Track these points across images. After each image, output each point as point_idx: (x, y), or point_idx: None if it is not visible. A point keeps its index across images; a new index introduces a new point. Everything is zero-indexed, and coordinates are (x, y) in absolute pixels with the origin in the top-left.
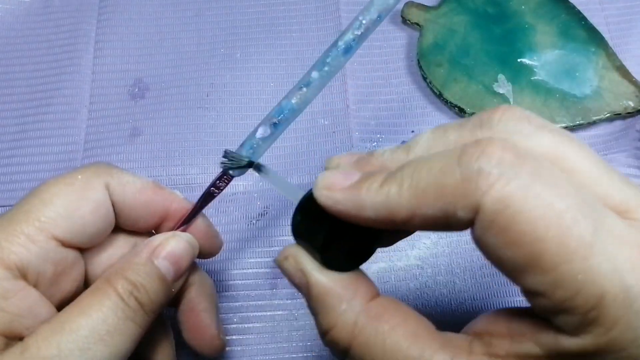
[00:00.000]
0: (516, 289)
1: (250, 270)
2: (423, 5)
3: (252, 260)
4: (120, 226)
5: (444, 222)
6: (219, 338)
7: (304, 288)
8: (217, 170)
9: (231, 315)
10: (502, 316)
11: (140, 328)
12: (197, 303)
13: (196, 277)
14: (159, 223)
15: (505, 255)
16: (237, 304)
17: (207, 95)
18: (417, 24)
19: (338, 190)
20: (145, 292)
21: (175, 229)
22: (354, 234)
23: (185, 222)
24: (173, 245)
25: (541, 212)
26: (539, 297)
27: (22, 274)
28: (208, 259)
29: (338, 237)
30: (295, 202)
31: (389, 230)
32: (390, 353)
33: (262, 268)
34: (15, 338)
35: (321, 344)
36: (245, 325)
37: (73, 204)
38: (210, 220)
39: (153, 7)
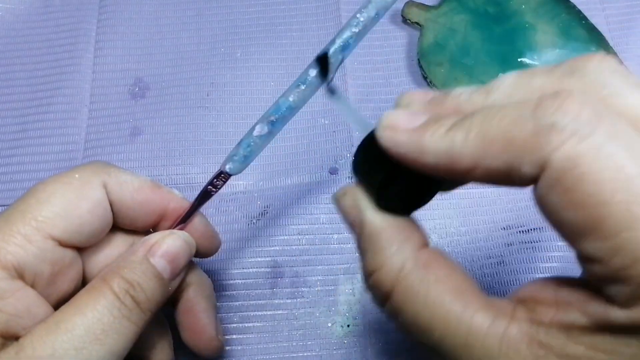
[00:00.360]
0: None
1: (250, 270)
2: (423, 4)
3: (252, 259)
4: (119, 225)
5: (506, 176)
6: (217, 339)
7: (357, 226)
8: (216, 170)
9: (231, 314)
10: (550, 284)
11: (137, 327)
12: (195, 303)
13: (194, 277)
14: (157, 222)
15: (566, 216)
16: (237, 303)
17: (208, 95)
18: (418, 24)
19: (401, 131)
20: (141, 291)
21: (173, 228)
22: (413, 178)
23: (183, 220)
24: (169, 244)
25: (610, 174)
26: (595, 263)
27: (19, 274)
28: (208, 259)
29: (397, 179)
30: (362, 135)
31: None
32: (432, 304)
33: (262, 267)
34: (11, 338)
35: (321, 343)
36: (246, 325)
37: (71, 203)
38: (210, 219)
39: (153, 7)
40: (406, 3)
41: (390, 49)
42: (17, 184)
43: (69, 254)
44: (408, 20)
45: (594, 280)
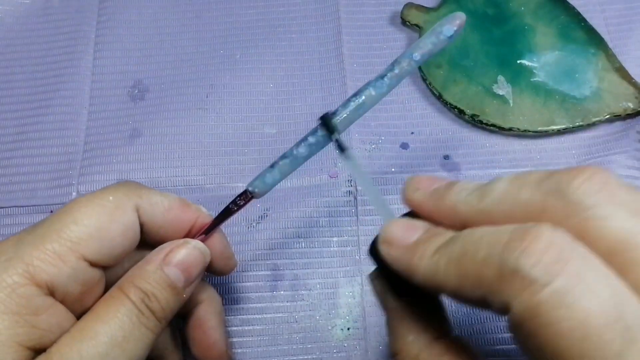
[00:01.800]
0: None
1: (250, 273)
2: (423, 6)
3: (252, 262)
4: (148, 242)
5: (485, 307)
6: (226, 355)
7: (384, 309)
8: (216, 172)
9: (231, 317)
10: None
11: (153, 334)
12: (206, 320)
13: (205, 295)
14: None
15: (533, 356)
16: (237, 306)
17: (207, 97)
18: (417, 26)
19: (396, 248)
20: (156, 300)
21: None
22: None
23: (204, 233)
24: (183, 253)
25: (570, 325)
26: None
27: (51, 292)
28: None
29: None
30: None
31: None
32: None
33: (262, 270)
34: (42, 351)
35: (322, 346)
36: (246, 328)
37: (104, 226)
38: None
39: (153, 9)
40: (405, 5)
41: (389, 50)
42: (16, 186)
43: (98, 273)
44: (407, 22)
45: None
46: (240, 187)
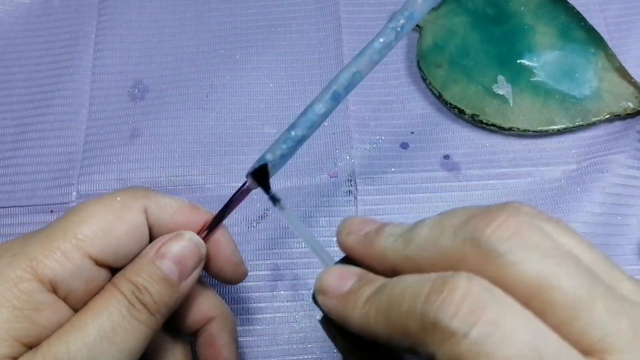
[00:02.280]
0: None
1: (250, 273)
2: None
3: (253, 262)
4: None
5: (417, 356)
6: None
7: (338, 351)
8: (216, 172)
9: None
10: None
11: (147, 328)
12: (217, 338)
13: (218, 310)
14: None
15: None
16: (237, 306)
17: (207, 96)
18: (417, 25)
19: (330, 297)
20: (147, 293)
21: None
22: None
23: (206, 230)
24: (176, 246)
25: None
26: None
27: (53, 289)
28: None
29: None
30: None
31: None
32: None
33: (262, 270)
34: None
35: (322, 346)
36: (246, 328)
37: (110, 225)
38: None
39: (153, 9)
40: None
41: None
42: (16, 186)
43: (103, 273)
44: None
45: None
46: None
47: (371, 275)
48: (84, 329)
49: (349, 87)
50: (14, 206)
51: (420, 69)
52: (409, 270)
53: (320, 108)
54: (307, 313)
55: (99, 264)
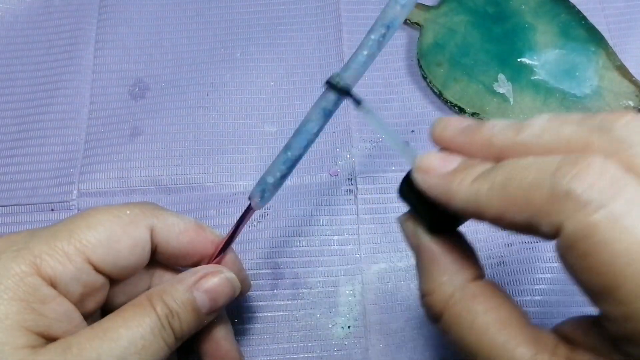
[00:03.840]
0: (517, 289)
1: (251, 272)
2: (423, 4)
3: (253, 261)
4: (162, 262)
5: (529, 230)
6: None
7: (416, 250)
8: (217, 170)
9: (232, 316)
10: (584, 324)
11: (169, 349)
12: (215, 331)
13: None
14: (199, 261)
15: (583, 279)
16: (237, 305)
17: (208, 95)
18: (417, 24)
19: (433, 175)
20: (178, 320)
21: (211, 262)
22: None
23: (220, 253)
24: (215, 282)
25: (625, 246)
26: (612, 322)
27: (53, 287)
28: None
29: (439, 209)
30: (397, 150)
31: None
32: (477, 333)
33: (263, 269)
34: (51, 339)
35: (322, 344)
36: (246, 326)
37: (115, 236)
38: (211, 221)
39: (153, 7)
40: None
41: (389, 49)
42: (17, 184)
43: (101, 279)
44: (408, 21)
45: (612, 336)
46: (241, 186)
47: (477, 160)
48: (117, 340)
49: (339, 102)
50: (15, 204)
51: (420, 67)
52: (521, 156)
53: (313, 127)
54: (308, 312)
55: (98, 270)
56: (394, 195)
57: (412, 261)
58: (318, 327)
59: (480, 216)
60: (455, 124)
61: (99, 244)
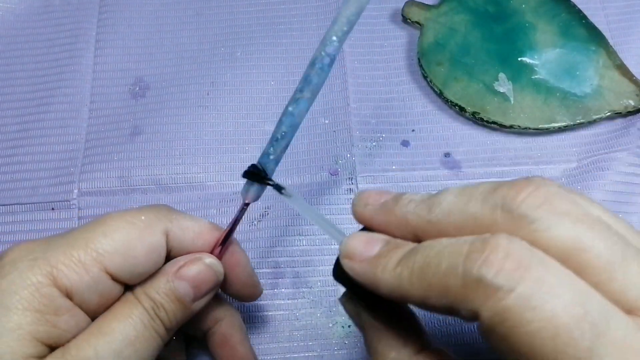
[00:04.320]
0: None
1: None
2: (424, 4)
3: (254, 261)
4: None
5: (452, 314)
6: None
7: (361, 329)
8: (217, 169)
9: None
10: None
11: (161, 339)
12: (230, 336)
13: (225, 312)
14: None
15: (506, 356)
16: (238, 304)
17: (208, 94)
18: (418, 23)
19: (358, 261)
20: (163, 311)
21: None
22: None
23: (220, 245)
24: (195, 269)
25: (539, 325)
26: None
27: (69, 297)
28: None
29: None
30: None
31: None
32: None
33: (263, 268)
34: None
35: (322, 343)
36: (247, 325)
37: (131, 243)
38: (212, 221)
39: (153, 6)
40: (406, 2)
41: (390, 48)
42: (17, 184)
43: (117, 288)
44: (408, 20)
45: None
46: (241, 185)
47: (398, 240)
48: (111, 334)
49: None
50: (16, 204)
51: (421, 66)
52: (434, 235)
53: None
54: (308, 311)
55: (114, 278)
56: None
57: None
58: (318, 326)
59: (405, 301)
60: (374, 199)
61: (115, 252)
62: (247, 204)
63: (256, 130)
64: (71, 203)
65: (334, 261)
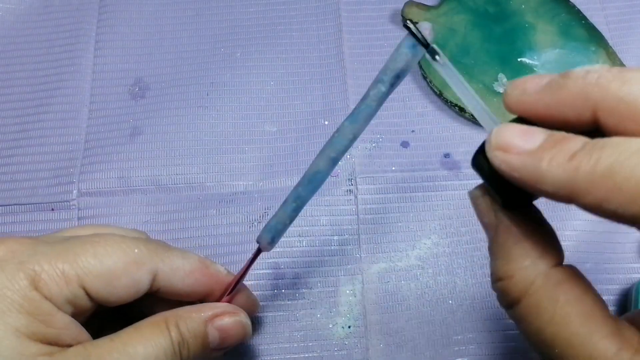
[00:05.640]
0: None
1: (251, 272)
2: (423, 4)
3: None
4: (162, 298)
5: (632, 223)
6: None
7: (491, 229)
8: (216, 170)
9: None
10: None
11: None
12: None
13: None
14: (204, 298)
15: None
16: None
17: (208, 95)
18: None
19: (514, 154)
20: (187, 349)
21: (220, 300)
22: None
23: (229, 294)
24: (229, 322)
25: None
26: None
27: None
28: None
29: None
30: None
31: None
32: (558, 324)
33: (263, 269)
34: (64, 346)
35: (322, 344)
36: None
37: (116, 273)
38: (212, 221)
39: (153, 7)
40: (406, 3)
41: (390, 48)
42: (17, 184)
43: (91, 304)
44: (408, 20)
45: None
46: (241, 186)
47: (565, 133)
48: (134, 356)
49: (346, 151)
50: (15, 204)
51: (420, 67)
52: (627, 118)
53: (322, 177)
54: (308, 311)
55: (90, 297)
56: (394, 195)
57: (412, 261)
58: (318, 327)
59: (574, 201)
60: (535, 82)
61: (99, 276)
62: (260, 251)
63: (256, 130)
64: (71, 203)
65: (332, 262)
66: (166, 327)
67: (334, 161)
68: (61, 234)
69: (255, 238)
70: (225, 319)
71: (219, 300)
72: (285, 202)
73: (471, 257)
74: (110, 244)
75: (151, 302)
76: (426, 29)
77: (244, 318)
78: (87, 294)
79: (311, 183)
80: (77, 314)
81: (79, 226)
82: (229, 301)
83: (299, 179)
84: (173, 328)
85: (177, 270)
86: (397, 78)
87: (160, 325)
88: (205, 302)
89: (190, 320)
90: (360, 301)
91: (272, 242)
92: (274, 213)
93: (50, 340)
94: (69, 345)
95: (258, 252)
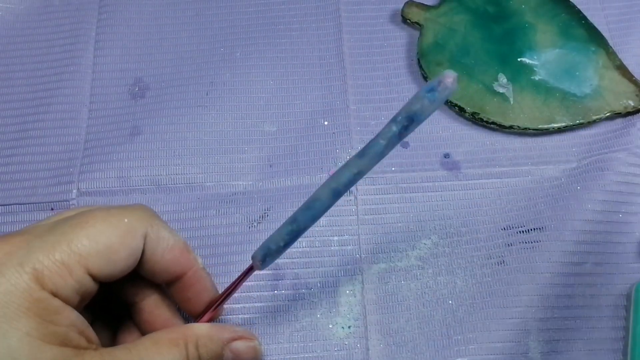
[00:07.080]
0: (517, 289)
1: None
2: (423, 4)
3: None
4: (137, 271)
5: None
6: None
7: None
8: (216, 170)
9: (233, 316)
10: None
11: None
12: (156, 315)
13: (153, 291)
14: (172, 282)
15: None
16: (238, 305)
17: (207, 94)
18: (418, 23)
19: None
20: None
21: (206, 313)
22: None
23: (215, 307)
24: (244, 347)
25: None
26: None
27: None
28: (208, 260)
29: None
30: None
31: None
32: None
33: (263, 270)
34: (70, 346)
35: (322, 344)
36: (246, 327)
37: (113, 247)
38: (211, 221)
39: (153, 7)
40: (406, 3)
41: (390, 48)
42: (17, 184)
43: (96, 286)
44: (408, 20)
45: None
46: (241, 186)
47: None
48: None
49: (350, 185)
50: (15, 204)
51: (421, 67)
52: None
53: (321, 205)
54: (308, 312)
55: (95, 279)
56: (393, 195)
57: (412, 261)
58: (318, 327)
59: None
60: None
61: (97, 255)
62: (252, 268)
63: (255, 130)
64: (70, 203)
65: (331, 263)
66: (185, 346)
67: (335, 192)
68: (45, 221)
69: (256, 237)
70: (243, 343)
71: (203, 313)
72: (282, 224)
73: (471, 257)
74: (99, 221)
75: (134, 290)
76: (449, 76)
77: (257, 345)
78: (91, 276)
79: (309, 210)
80: (83, 301)
81: (57, 212)
82: (213, 317)
83: (298, 179)
84: (192, 347)
85: (162, 240)
86: (411, 121)
87: (179, 343)
88: (189, 311)
89: (210, 342)
90: (360, 301)
91: (264, 261)
92: (274, 212)
93: (59, 338)
94: (77, 345)
95: (250, 269)
